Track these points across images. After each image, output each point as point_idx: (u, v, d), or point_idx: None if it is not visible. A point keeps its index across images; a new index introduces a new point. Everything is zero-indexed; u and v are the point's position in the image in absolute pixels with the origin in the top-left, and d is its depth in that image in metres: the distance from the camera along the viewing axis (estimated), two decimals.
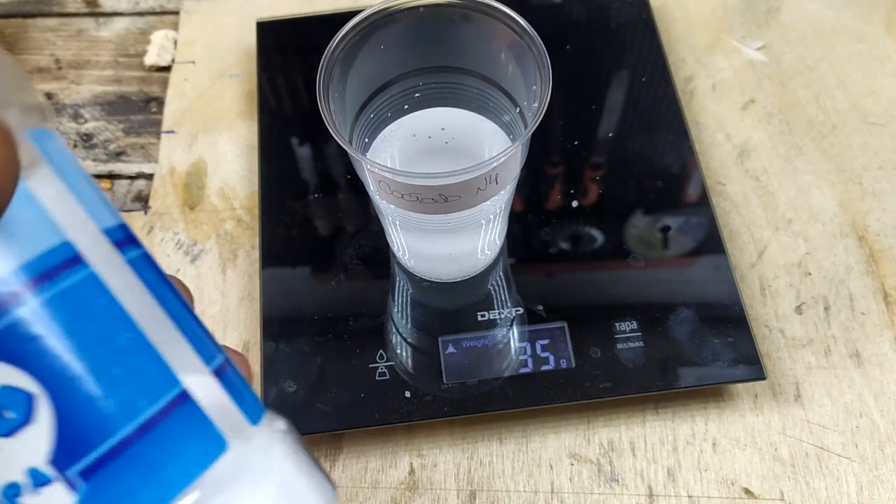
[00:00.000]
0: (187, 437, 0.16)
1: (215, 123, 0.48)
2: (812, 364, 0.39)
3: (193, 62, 0.51)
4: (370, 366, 0.37)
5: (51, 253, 0.15)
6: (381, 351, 0.38)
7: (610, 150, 0.44)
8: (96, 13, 0.55)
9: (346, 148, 0.28)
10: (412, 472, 0.37)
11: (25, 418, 0.14)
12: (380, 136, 0.35)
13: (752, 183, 0.45)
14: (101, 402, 0.15)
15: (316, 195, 0.43)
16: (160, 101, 0.50)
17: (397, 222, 0.35)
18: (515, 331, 0.38)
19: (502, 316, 0.39)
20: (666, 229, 0.41)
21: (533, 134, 0.29)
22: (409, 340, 0.39)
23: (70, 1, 0.55)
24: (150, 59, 0.51)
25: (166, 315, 0.16)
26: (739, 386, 0.38)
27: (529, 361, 0.37)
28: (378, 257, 0.41)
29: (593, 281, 0.40)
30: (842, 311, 0.40)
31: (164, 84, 0.50)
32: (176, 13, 0.54)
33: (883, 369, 0.39)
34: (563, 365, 0.37)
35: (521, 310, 0.39)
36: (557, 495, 0.36)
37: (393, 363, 0.37)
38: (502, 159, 0.28)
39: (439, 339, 0.38)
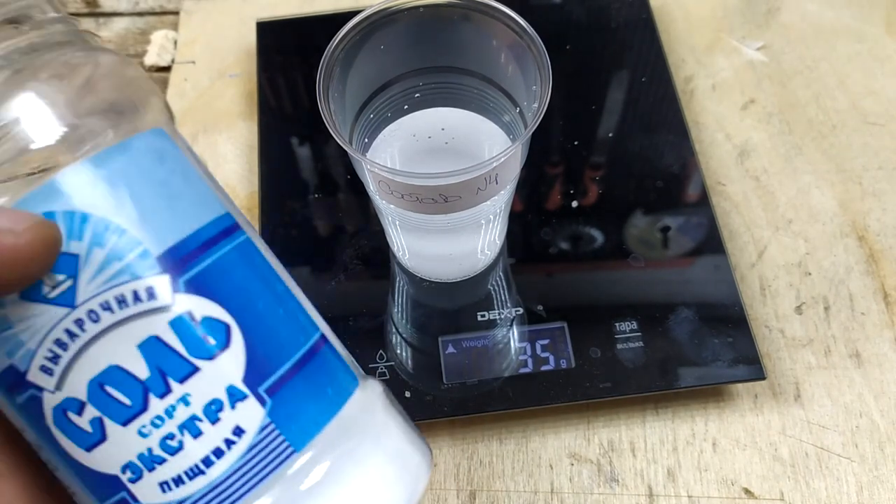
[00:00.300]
0: (335, 369, 0.19)
1: (215, 123, 0.48)
2: (812, 364, 0.39)
3: (193, 62, 0.51)
4: (370, 366, 0.37)
5: (223, 217, 0.19)
6: (381, 351, 0.38)
7: (610, 150, 0.44)
8: (96, 13, 0.55)
9: (346, 148, 0.28)
10: None
11: (224, 344, 0.17)
12: (380, 136, 0.35)
13: (752, 183, 0.45)
14: (276, 333, 0.18)
15: (316, 195, 0.43)
16: None
17: (397, 222, 0.35)
18: (515, 331, 0.38)
19: (502, 316, 0.39)
20: (666, 229, 0.41)
21: (533, 134, 0.29)
22: (409, 340, 0.39)
23: (70, 1, 0.55)
24: (150, 59, 0.51)
25: (291, 279, 0.20)
26: (739, 386, 0.38)
27: (529, 361, 0.37)
28: (378, 257, 0.41)
29: (593, 281, 0.40)
30: (842, 311, 0.40)
31: (164, 84, 0.50)
32: (176, 13, 0.54)
33: (883, 369, 0.39)
34: (563, 365, 0.37)
35: (521, 310, 0.39)
36: (557, 495, 0.36)
37: (393, 363, 0.37)
38: (502, 159, 0.28)
39: (439, 339, 0.38)
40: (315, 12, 0.50)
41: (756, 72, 0.49)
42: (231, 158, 0.47)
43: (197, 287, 0.17)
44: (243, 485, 0.17)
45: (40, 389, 0.16)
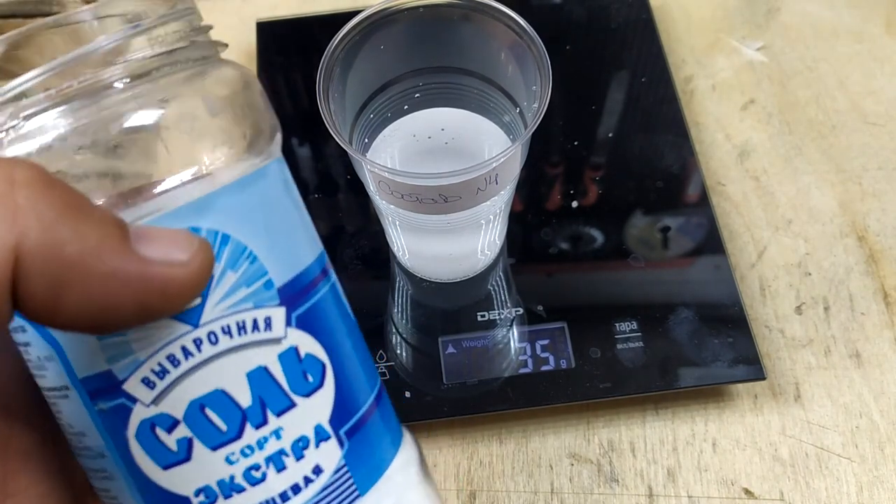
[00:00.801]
0: (391, 416, 0.20)
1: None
2: (812, 364, 0.39)
3: None
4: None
5: (322, 255, 0.19)
6: (381, 351, 0.38)
7: (610, 150, 0.44)
8: None
9: (346, 148, 0.29)
10: None
11: (319, 383, 0.18)
12: (380, 136, 0.35)
13: (752, 183, 0.45)
14: (357, 377, 0.19)
15: (316, 195, 0.43)
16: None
17: (397, 222, 0.35)
18: (515, 331, 0.38)
19: (502, 316, 0.39)
20: (666, 229, 0.41)
21: (533, 134, 0.29)
22: (409, 340, 0.39)
23: (70, 1, 0.55)
24: None
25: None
26: (739, 386, 0.38)
27: (529, 361, 0.37)
28: (378, 257, 0.41)
29: (593, 281, 0.40)
30: (842, 312, 0.40)
31: None
32: None
33: (883, 369, 0.39)
34: (563, 365, 0.37)
35: (521, 310, 0.39)
36: (557, 495, 0.36)
37: (393, 363, 0.37)
38: (502, 159, 0.28)
39: (439, 339, 0.38)
40: (315, 12, 0.50)
41: (756, 72, 0.49)
42: None
43: (305, 323, 0.17)
44: None
45: (133, 401, 0.16)
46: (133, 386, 0.16)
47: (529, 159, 0.33)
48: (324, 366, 0.18)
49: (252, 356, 0.17)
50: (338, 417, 0.18)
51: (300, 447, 0.17)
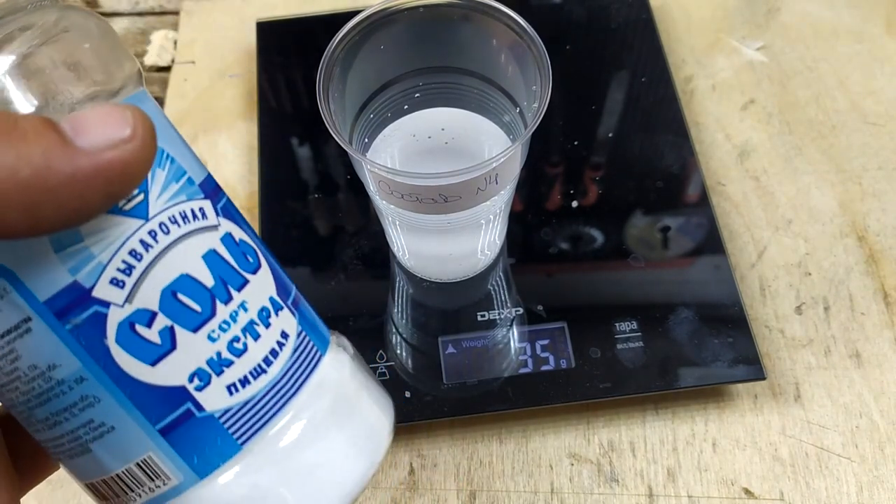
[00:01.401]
0: (315, 320, 0.21)
1: (215, 124, 0.48)
2: (812, 364, 0.39)
3: (193, 62, 0.51)
4: (370, 366, 0.37)
5: (210, 176, 0.20)
6: (381, 351, 0.38)
7: (610, 150, 0.44)
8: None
9: (346, 148, 0.29)
10: (412, 472, 0.37)
11: (258, 263, 0.19)
12: (380, 136, 0.35)
13: (752, 183, 0.45)
14: (279, 268, 0.20)
15: (316, 195, 0.43)
16: (160, 102, 0.50)
17: (397, 222, 0.35)
18: (515, 331, 0.38)
19: (502, 316, 0.39)
20: (666, 229, 0.41)
21: (533, 134, 0.29)
22: (409, 340, 0.39)
23: (70, 1, 0.55)
24: (150, 59, 0.51)
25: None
26: (739, 386, 0.38)
27: (529, 361, 0.37)
28: (378, 257, 0.41)
29: (593, 281, 0.40)
30: (842, 312, 0.40)
31: (164, 84, 0.50)
32: (176, 13, 0.54)
33: (883, 369, 0.39)
34: (563, 365, 0.37)
35: (521, 310, 0.39)
36: (557, 495, 0.36)
37: (393, 363, 0.37)
38: (502, 159, 0.28)
39: (439, 339, 0.38)
40: (315, 12, 0.50)
41: (756, 72, 0.49)
42: (231, 158, 0.47)
43: (227, 214, 0.19)
44: (293, 383, 0.19)
45: (107, 305, 0.16)
46: (103, 290, 0.16)
47: (529, 159, 0.33)
48: (255, 249, 0.19)
49: (201, 241, 0.18)
50: (281, 292, 0.20)
51: (265, 316, 0.19)
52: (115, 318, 0.16)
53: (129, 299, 0.16)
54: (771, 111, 0.47)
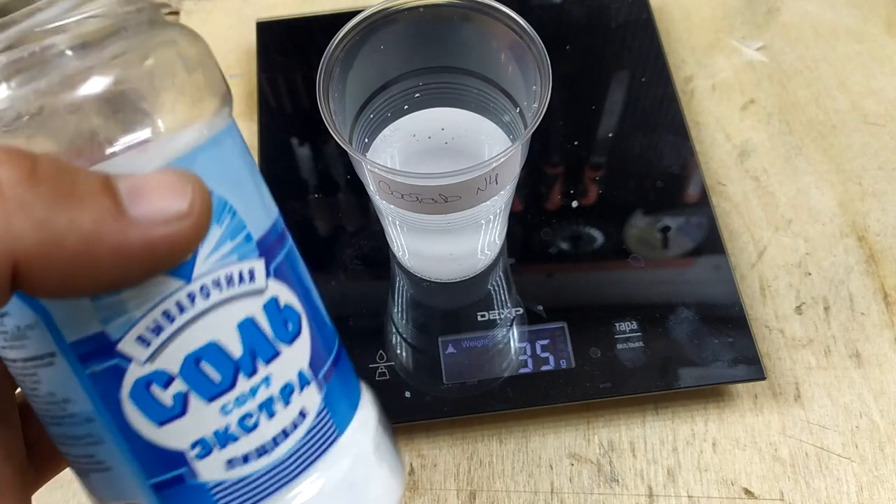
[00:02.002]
0: (351, 376, 0.21)
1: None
2: (812, 364, 0.39)
3: None
4: (370, 366, 0.37)
5: (279, 214, 0.20)
6: (381, 351, 0.38)
7: (610, 150, 0.44)
8: None
9: (346, 148, 0.29)
10: (412, 472, 0.37)
11: (298, 331, 0.18)
12: (380, 136, 0.35)
13: (752, 183, 0.45)
14: (324, 327, 0.20)
15: (316, 195, 0.43)
16: None
17: (397, 222, 0.35)
18: (515, 331, 0.38)
19: (502, 316, 0.39)
20: (666, 229, 0.41)
21: (533, 134, 0.29)
22: (409, 340, 0.39)
23: None
24: None
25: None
26: (739, 386, 0.38)
27: (529, 361, 0.37)
28: (378, 257, 0.41)
29: (593, 281, 0.40)
30: (842, 312, 0.40)
31: None
32: (176, 13, 0.54)
33: (883, 369, 0.39)
34: (563, 365, 0.37)
35: (521, 310, 0.39)
36: (557, 495, 0.36)
37: (393, 363, 0.37)
38: (502, 159, 0.28)
39: (439, 339, 0.38)
40: (315, 12, 0.50)
41: (756, 72, 0.49)
42: None
43: (281, 274, 0.18)
44: (299, 465, 0.18)
45: (128, 360, 0.16)
46: (128, 345, 0.16)
47: (529, 159, 0.33)
48: (300, 314, 0.18)
49: (241, 308, 0.17)
50: (315, 362, 0.19)
51: (287, 393, 0.18)
52: (133, 374, 0.16)
53: (151, 359, 0.16)
54: (771, 111, 0.47)
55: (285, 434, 0.18)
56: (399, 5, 0.31)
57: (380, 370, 0.37)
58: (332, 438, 0.19)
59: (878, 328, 0.40)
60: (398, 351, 0.38)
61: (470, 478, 0.37)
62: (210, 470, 0.17)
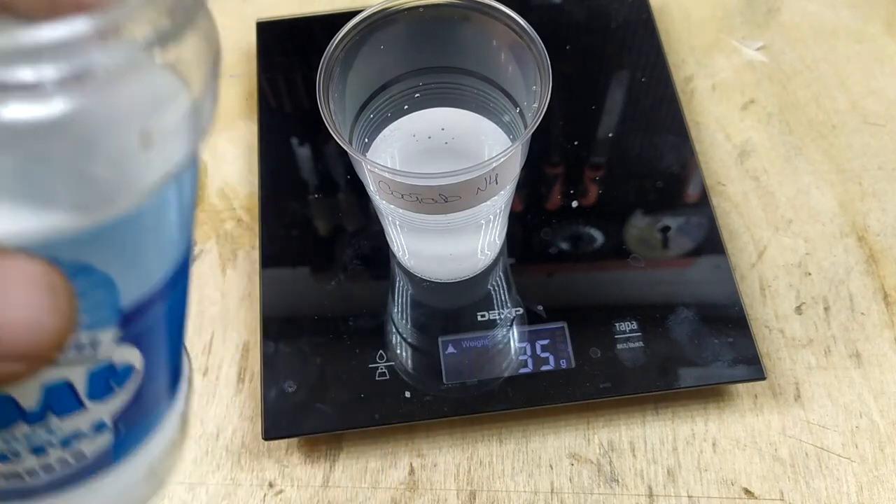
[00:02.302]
0: (163, 404, 0.19)
1: (215, 124, 0.48)
2: (812, 364, 0.39)
3: None
4: (370, 366, 0.37)
5: (188, 251, 0.16)
6: (381, 351, 0.38)
7: (610, 151, 0.44)
8: None
9: (346, 148, 0.29)
10: (412, 472, 0.37)
11: (120, 387, 0.16)
12: (380, 136, 0.35)
13: (752, 183, 0.45)
14: (165, 373, 0.18)
15: (316, 195, 0.43)
16: None
17: (397, 222, 0.35)
18: (515, 331, 0.38)
19: (502, 316, 0.39)
20: (666, 229, 0.41)
21: (533, 134, 0.29)
22: (409, 340, 0.39)
23: None
24: None
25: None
26: (739, 386, 0.38)
27: (529, 361, 0.37)
28: (378, 257, 0.41)
29: (593, 281, 0.40)
30: (842, 312, 0.40)
31: None
32: None
33: (883, 369, 0.39)
34: (563, 365, 0.37)
35: (521, 310, 0.39)
36: (557, 495, 0.36)
37: (393, 363, 0.37)
38: (502, 159, 0.28)
39: (439, 339, 0.38)
40: (315, 12, 0.50)
41: (756, 72, 0.49)
42: (231, 158, 0.47)
43: (138, 337, 0.16)
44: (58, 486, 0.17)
45: None
46: None
47: (529, 159, 0.33)
48: (133, 372, 0.16)
49: (59, 373, 0.15)
50: (125, 411, 0.17)
51: (70, 439, 0.16)
52: None
53: None
54: (771, 111, 0.47)
55: (47, 470, 0.16)
56: (399, 5, 0.31)
57: (380, 370, 0.37)
58: (103, 468, 0.17)
59: (878, 328, 0.40)
60: (398, 351, 0.38)
61: (470, 478, 0.37)
62: None
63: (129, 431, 0.17)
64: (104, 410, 0.16)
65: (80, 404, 0.15)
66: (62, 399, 0.15)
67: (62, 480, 0.17)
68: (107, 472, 0.17)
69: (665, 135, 0.44)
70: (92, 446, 0.17)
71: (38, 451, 0.16)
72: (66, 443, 0.16)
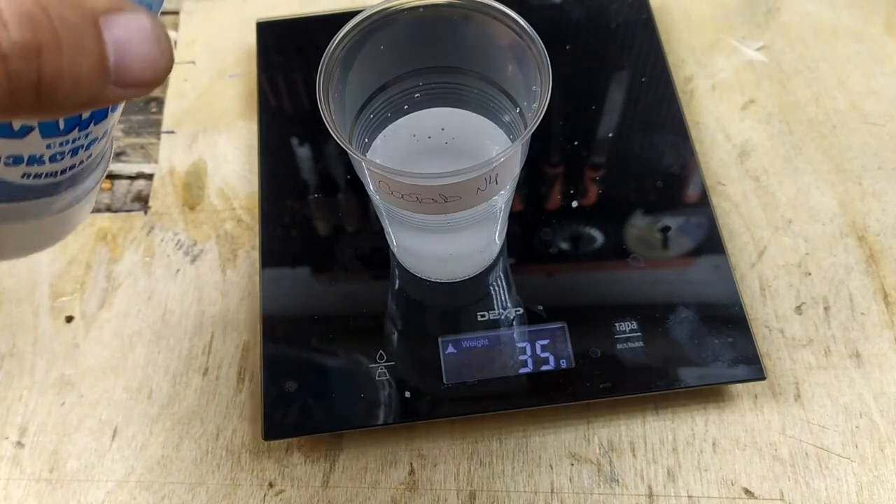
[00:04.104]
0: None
1: (215, 123, 0.48)
2: (812, 364, 0.39)
3: (193, 62, 0.51)
4: (370, 366, 0.37)
5: None
6: (381, 351, 0.38)
7: (610, 150, 0.44)
8: None
9: (346, 148, 0.28)
10: (412, 472, 0.37)
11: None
12: (380, 136, 0.35)
13: (752, 183, 0.45)
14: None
15: (316, 195, 0.43)
16: (160, 102, 0.50)
17: (397, 222, 0.35)
18: (515, 331, 0.38)
19: (502, 316, 0.39)
20: (666, 229, 0.41)
21: (533, 134, 0.29)
22: (409, 340, 0.39)
23: None
24: None
25: None
26: (739, 386, 0.38)
27: (529, 361, 0.37)
28: (378, 257, 0.41)
29: (593, 281, 0.40)
30: (842, 311, 0.40)
31: (164, 84, 0.50)
32: (176, 13, 0.54)
33: (883, 369, 0.39)
34: (563, 365, 0.37)
35: (521, 310, 0.39)
36: (557, 495, 0.36)
37: (393, 363, 0.37)
38: (502, 159, 0.28)
39: (439, 339, 0.38)
40: (315, 12, 0.50)
41: (756, 72, 0.49)
42: (231, 158, 0.47)
43: None
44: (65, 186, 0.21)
45: None
46: None
47: (529, 159, 0.33)
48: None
49: None
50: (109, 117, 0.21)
51: (91, 143, 0.21)
52: None
53: None
54: (771, 111, 0.47)
55: (72, 168, 0.21)
56: (399, 5, 0.31)
57: (380, 370, 0.37)
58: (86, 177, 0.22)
59: (878, 328, 0.40)
60: (398, 351, 0.38)
61: (470, 478, 0.37)
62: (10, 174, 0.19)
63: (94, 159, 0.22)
64: (116, 115, 0.21)
65: (107, 110, 0.20)
66: (101, 112, 0.20)
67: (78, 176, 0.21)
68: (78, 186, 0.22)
69: (665, 135, 0.44)
70: (98, 148, 0.21)
71: (73, 151, 0.20)
72: (88, 145, 0.20)
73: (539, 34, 0.30)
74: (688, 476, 0.36)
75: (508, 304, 0.39)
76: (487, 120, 0.35)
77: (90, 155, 0.21)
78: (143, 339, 0.41)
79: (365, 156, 0.30)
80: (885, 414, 0.37)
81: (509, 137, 0.34)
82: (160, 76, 0.16)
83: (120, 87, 0.16)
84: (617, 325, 0.38)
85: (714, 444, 0.37)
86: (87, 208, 0.24)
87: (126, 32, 0.16)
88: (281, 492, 0.37)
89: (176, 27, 0.53)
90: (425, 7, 0.31)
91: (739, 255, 0.42)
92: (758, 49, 0.50)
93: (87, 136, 0.20)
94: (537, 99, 0.29)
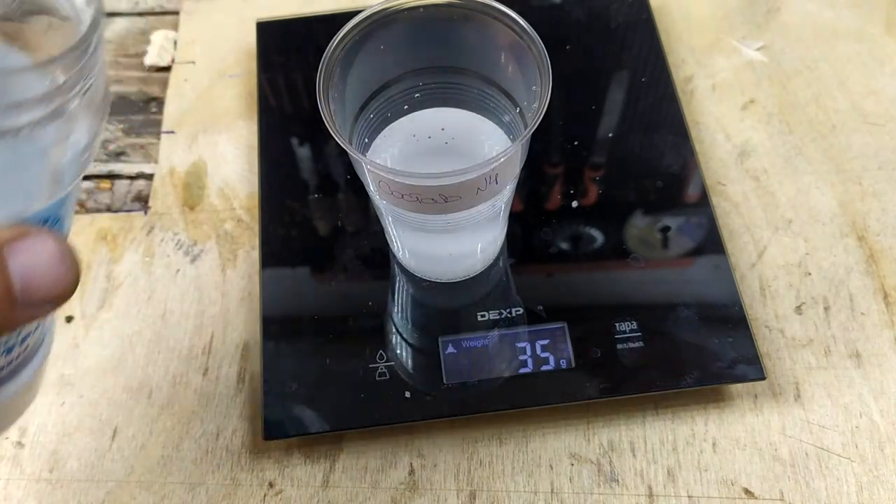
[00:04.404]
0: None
1: (215, 123, 0.48)
2: (812, 364, 0.39)
3: (193, 62, 0.51)
4: (370, 366, 0.37)
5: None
6: (381, 351, 0.38)
7: (610, 150, 0.44)
8: None
9: (346, 148, 0.29)
10: (412, 472, 0.37)
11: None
12: (380, 136, 0.35)
13: (752, 183, 0.45)
14: None
15: (316, 195, 0.43)
16: (160, 102, 0.50)
17: (397, 222, 0.35)
18: (515, 331, 0.38)
19: (502, 316, 0.39)
20: (666, 229, 0.41)
21: (533, 134, 0.29)
22: (409, 340, 0.39)
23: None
24: (150, 59, 0.51)
25: None
26: (739, 386, 0.38)
27: (529, 361, 0.37)
28: (378, 257, 0.41)
29: (593, 281, 0.40)
30: (842, 311, 0.40)
31: (164, 84, 0.50)
32: (176, 13, 0.54)
33: (883, 369, 0.39)
34: (563, 365, 0.37)
35: (521, 310, 0.39)
36: (557, 495, 0.36)
37: (393, 363, 0.37)
38: (502, 159, 0.28)
39: (439, 339, 0.38)
40: (315, 12, 0.50)
41: (756, 72, 0.49)
42: (231, 158, 0.47)
43: None
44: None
45: None
46: None
47: (529, 159, 0.33)
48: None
49: None
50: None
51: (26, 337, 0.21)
52: None
53: None
54: (771, 111, 0.47)
55: (9, 364, 0.21)
56: (399, 5, 0.31)
57: (380, 370, 0.37)
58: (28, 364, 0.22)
59: (878, 328, 0.40)
60: (398, 351, 0.38)
61: (470, 478, 0.37)
62: None
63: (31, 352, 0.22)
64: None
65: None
66: None
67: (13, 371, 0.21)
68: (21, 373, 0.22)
69: (665, 135, 0.44)
70: (30, 344, 0.21)
71: (8, 350, 0.20)
72: (25, 339, 0.21)
73: (539, 34, 0.30)
74: (688, 476, 0.36)
75: (508, 304, 0.39)
76: (487, 120, 0.35)
77: (26, 347, 0.21)
78: (142, 339, 0.41)
79: (365, 156, 0.30)
80: (885, 414, 0.37)
81: (509, 137, 0.34)
82: (68, 291, 0.17)
83: (31, 308, 0.17)
84: (617, 325, 0.38)
85: (714, 444, 0.37)
86: (31, 393, 0.24)
87: (31, 257, 0.17)
88: (281, 492, 0.37)
89: (176, 27, 0.53)
90: (425, 7, 0.31)
91: (739, 255, 0.42)
92: (758, 49, 0.50)
93: (17, 334, 0.20)
94: (537, 99, 0.29)
